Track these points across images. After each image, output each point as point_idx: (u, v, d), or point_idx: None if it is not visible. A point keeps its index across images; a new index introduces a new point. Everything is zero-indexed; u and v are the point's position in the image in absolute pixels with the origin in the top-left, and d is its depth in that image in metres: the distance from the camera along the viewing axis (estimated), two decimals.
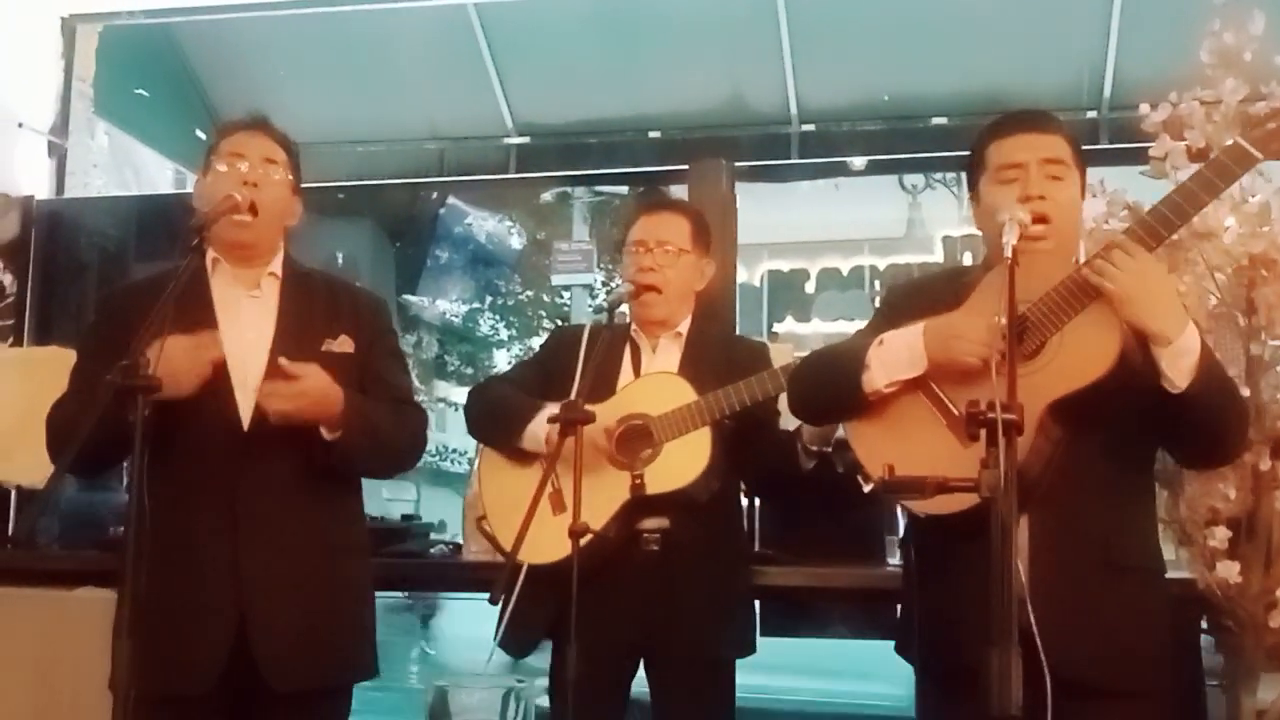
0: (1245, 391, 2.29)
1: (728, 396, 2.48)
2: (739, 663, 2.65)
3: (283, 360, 2.11)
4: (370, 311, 2.40)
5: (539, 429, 2.53)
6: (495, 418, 2.67)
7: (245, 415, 2.18)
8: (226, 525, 2.15)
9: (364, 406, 2.23)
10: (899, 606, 2.25)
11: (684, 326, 2.68)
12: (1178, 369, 1.81)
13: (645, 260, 2.62)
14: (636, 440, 2.53)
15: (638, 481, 2.46)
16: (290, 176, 2.32)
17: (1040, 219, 1.93)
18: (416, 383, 2.58)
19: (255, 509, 2.17)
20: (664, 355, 2.66)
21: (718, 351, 2.67)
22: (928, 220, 7.98)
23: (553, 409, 2.40)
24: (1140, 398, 1.87)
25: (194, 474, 2.15)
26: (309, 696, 2.19)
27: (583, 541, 2.14)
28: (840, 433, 2.39)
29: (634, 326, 2.70)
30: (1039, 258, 1.92)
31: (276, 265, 2.32)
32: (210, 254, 2.26)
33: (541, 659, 2.57)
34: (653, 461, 2.50)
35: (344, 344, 2.29)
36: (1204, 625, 2.55)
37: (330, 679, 2.25)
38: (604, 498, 2.44)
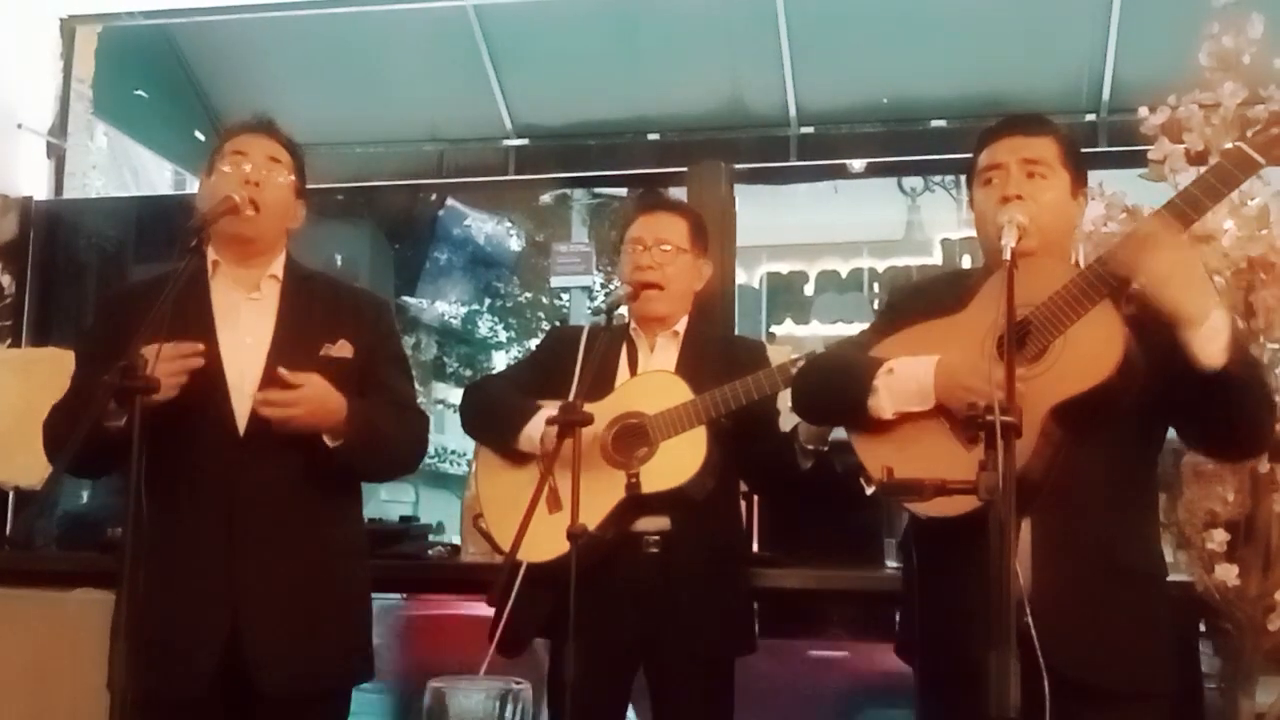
0: None
1: (724, 395, 2.48)
2: None
3: (281, 370, 2.10)
4: (372, 315, 2.38)
5: (535, 431, 2.53)
6: (491, 418, 2.67)
7: (241, 420, 2.17)
8: (221, 529, 2.15)
9: (366, 413, 2.21)
10: (899, 609, 2.25)
11: (681, 326, 2.68)
12: (1212, 350, 1.79)
13: (643, 259, 2.62)
14: (633, 439, 2.53)
15: (633, 480, 2.45)
16: (294, 179, 2.31)
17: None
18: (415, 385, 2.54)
19: (250, 513, 2.16)
20: (661, 354, 2.66)
21: (715, 351, 2.67)
22: (927, 223, 7.97)
23: (550, 411, 2.39)
24: (1144, 401, 1.86)
25: (189, 478, 2.14)
26: (305, 700, 2.18)
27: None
28: (837, 433, 2.39)
29: (632, 325, 2.70)
30: (1037, 260, 1.92)
31: (277, 268, 2.30)
32: (210, 256, 2.26)
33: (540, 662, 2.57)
34: (648, 460, 2.49)
35: (343, 349, 2.27)
36: (1202, 628, 2.55)
37: (324, 683, 2.24)
38: (599, 497, 2.43)
